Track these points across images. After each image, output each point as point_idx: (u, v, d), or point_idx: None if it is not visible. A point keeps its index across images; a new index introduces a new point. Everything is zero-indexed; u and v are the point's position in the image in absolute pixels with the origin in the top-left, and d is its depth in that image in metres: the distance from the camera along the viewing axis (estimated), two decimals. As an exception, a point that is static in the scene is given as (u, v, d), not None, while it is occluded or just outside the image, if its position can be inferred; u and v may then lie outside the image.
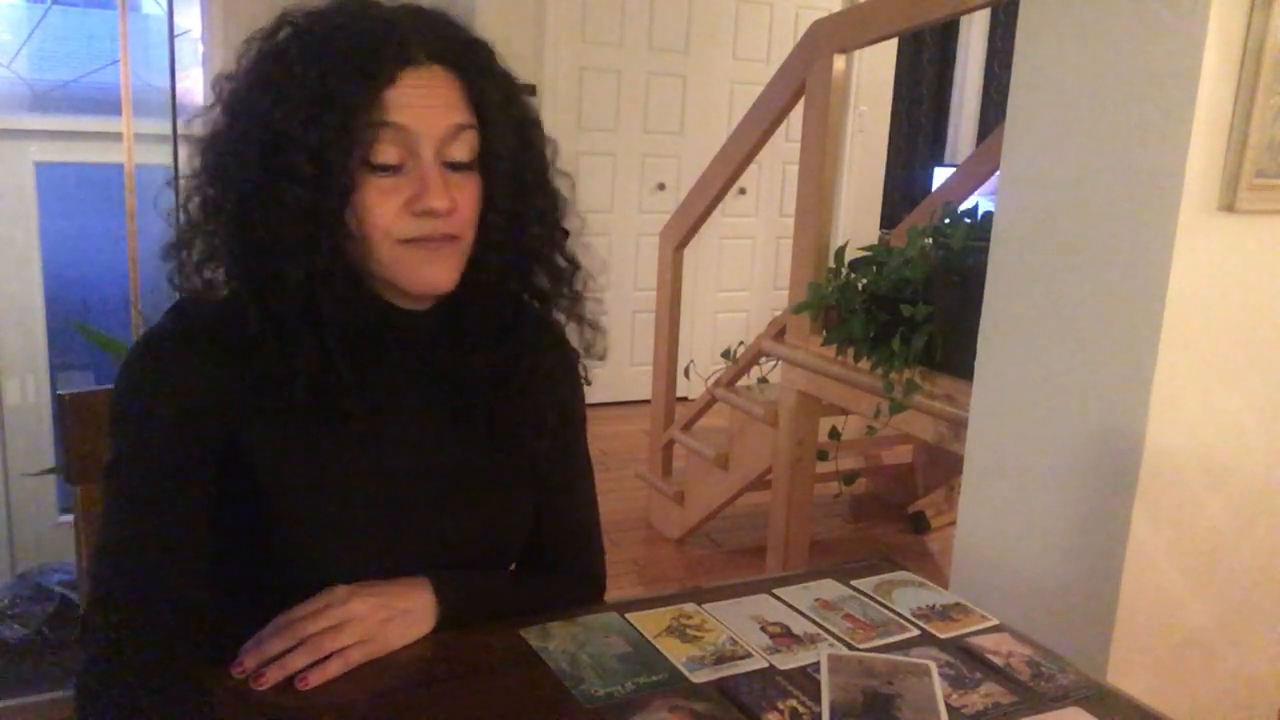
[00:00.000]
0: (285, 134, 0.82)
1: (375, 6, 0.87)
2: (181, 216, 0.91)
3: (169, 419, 0.86)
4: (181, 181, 0.92)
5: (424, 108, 0.84)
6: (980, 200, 2.94)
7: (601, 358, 1.06)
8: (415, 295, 0.92)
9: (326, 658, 0.85)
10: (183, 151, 0.96)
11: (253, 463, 0.89)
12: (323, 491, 0.91)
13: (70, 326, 2.69)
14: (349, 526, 0.93)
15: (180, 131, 2.66)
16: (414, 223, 0.86)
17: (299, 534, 0.90)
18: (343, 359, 0.88)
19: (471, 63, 0.88)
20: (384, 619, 0.89)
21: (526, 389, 0.99)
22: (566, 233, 0.99)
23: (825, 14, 3.05)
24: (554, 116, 4.18)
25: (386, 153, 0.84)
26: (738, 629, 0.98)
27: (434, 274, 0.89)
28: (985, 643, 1.00)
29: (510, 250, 0.94)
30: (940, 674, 0.92)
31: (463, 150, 0.88)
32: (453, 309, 0.96)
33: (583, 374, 1.09)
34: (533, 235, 0.95)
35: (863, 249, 2.38)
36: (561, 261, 0.99)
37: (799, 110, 2.57)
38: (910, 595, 1.09)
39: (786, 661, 0.93)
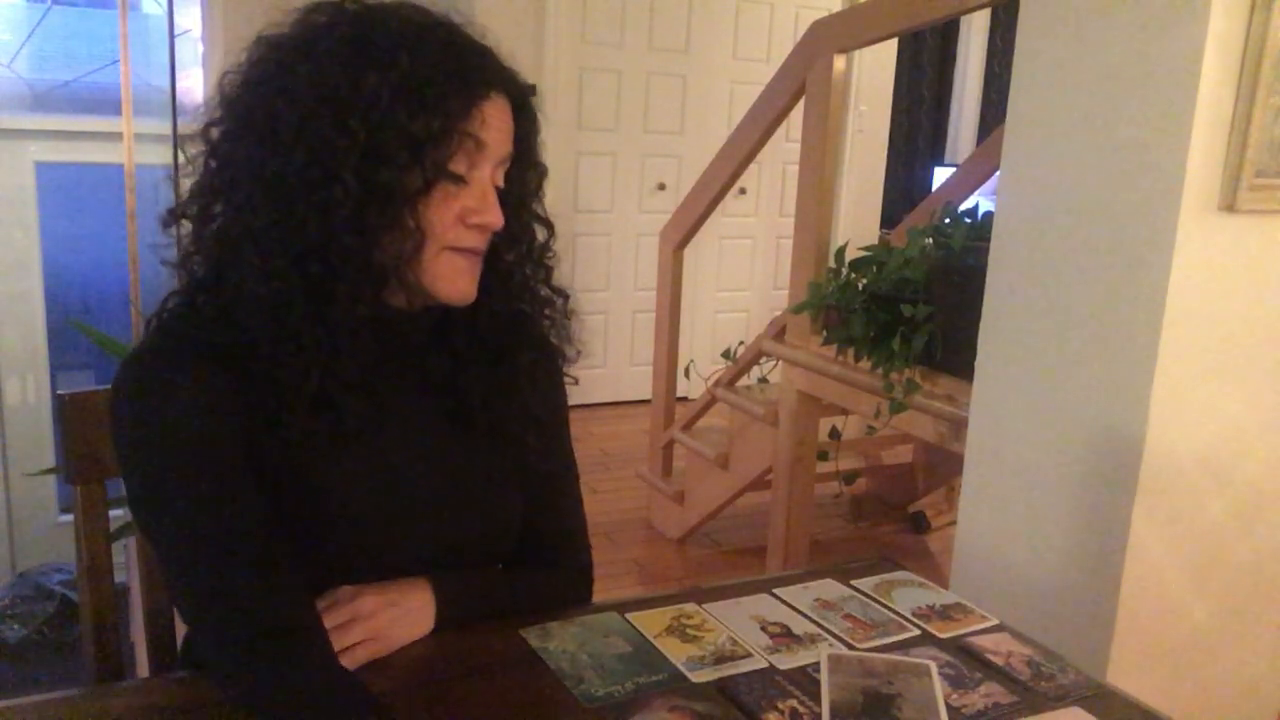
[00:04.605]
0: (388, 121, 0.82)
1: (458, 27, 0.90)
2: (192, 210, 0.89)
3: (188, 436, 0.83)
4: (192, 174, 0.90)
5: (498, 130, 0.90)
6: (980, 200, 2.94)
7: (576, 366, 1.10)
8: (439, 301, 0.92)
9: None
10: (184, 151, 0.92)
11: (265, 460, 0.88)
12: (326, 492, 0.92)
13: (70, 326, 2.69)
14: (352, 525, 0.93)
15: (180, 131, 2.66)
16: (465, 233, 0.90)
17: (302, 534, 0.91)
18: (352, 362, 0.88)
19: (524, 101, 0.95)
20: (389, 617, 0.91)
21: (514, 386, 1.01)
22: (552, 266, 1.04)
23: (825, 14, 3.05)
24: (554, 116, 4.16)
25: (460, 162, 0.87)
26: (738, 629, 0.99)
27: (468, 285, 0.92)
28: (985, 643, 1.00)
29: (509, 271, 0.99)
30: (940, 674, 0.92)
31: (500, 176, 0.92)
32: (443, 313, 0.97)
33: (566, 374, 1.10)
34: (530, 261, 1.01)
35: (863, 249, 2.38)
36: (550, 292, 1.04)
37: (799, 110, 2.57)
38: (910, 595, 1.09)
39: (786, 661, 0.93)
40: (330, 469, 0.91)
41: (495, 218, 0.90)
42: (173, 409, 0.83)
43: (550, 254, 1.03)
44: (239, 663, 0.82)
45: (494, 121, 0.89)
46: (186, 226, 0.90)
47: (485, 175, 0.90)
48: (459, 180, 0.88)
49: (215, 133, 0.89)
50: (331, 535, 0.92)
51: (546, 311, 1.04)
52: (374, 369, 0.91)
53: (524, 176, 0.97)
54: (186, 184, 0.90)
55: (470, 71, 0.87)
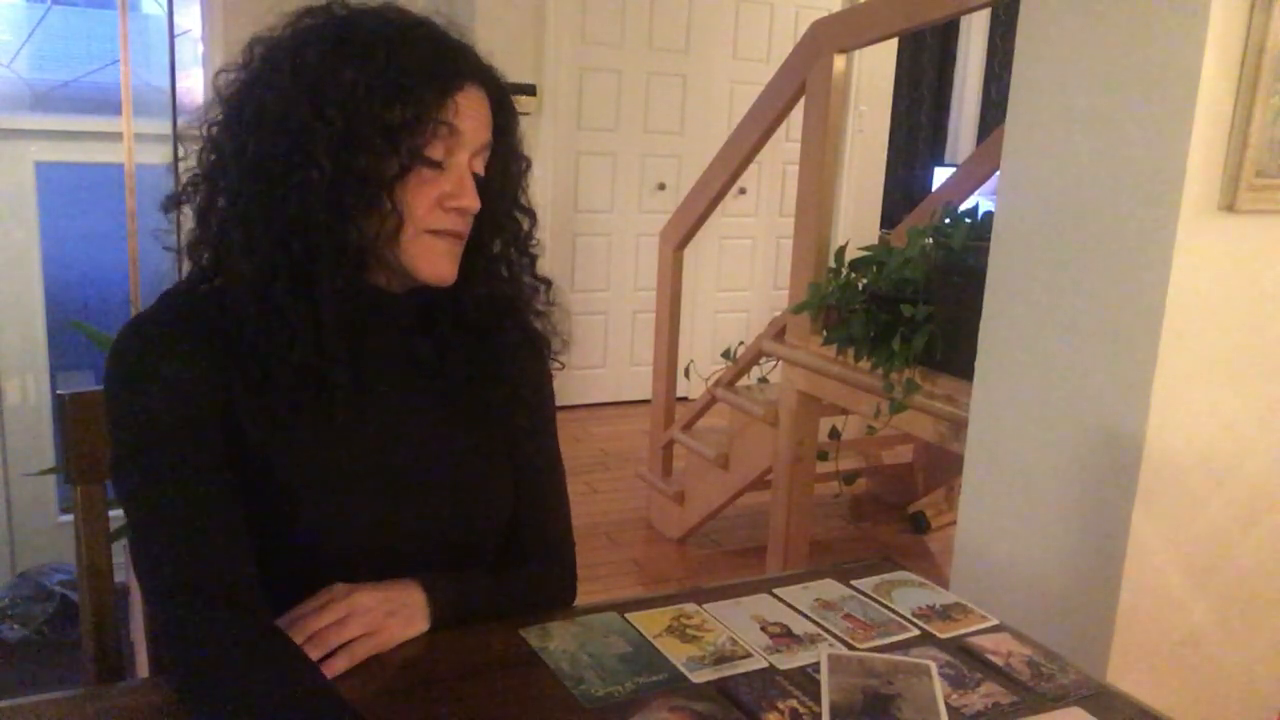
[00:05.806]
0: (363, 111, 0.88)
1: (436, 26, 0.95)
2: (193, 195, 0.94)
3: (168, 407, 0.87)
4: (191, 161, 0.94)
5: (473, 119, 0.94)
6: (980, 200, 2.94)
7: (563, 360, 1.13)
8: (419, 282, 0.96)
9: (332, 653, 0.86)
10: (183, 148, 0.98)
11: (247, 444, 0.90)
12: (314, 471, 0.93)
13: (70, 326, 2.69)
14: (340, 504, 0.94)
15: (180, 131, 2.66)
16: (444, 217, 0.94)
17: (292, 513, 0.91)
18: (336, 337, 0.90)
19: (501, 94, 0.99)
20: (386, 612, 0.91)
21: (499, 367, 1.03)
22: (536, 255, 1.07)
23: (825, 14, 3.05)
24: (554, 116, 4.19)
25: (437, 149, 0.92)
26: (738, 629, 0.99)
27: (449, 267, 0.96)
28: (985, 643, 1.00)
29: (493, 257, 1.03)
30: (940, 674, 0.92)
31: (480, 164, 0.96)
32: (428, 298, 1.00)
33: (554, 359, 1.13)
34: (511, 247, 1.04)
35: (863, 249, 2.38)
36: (534, 280, 1.07)
37: (799, 110, 2.57)
38: (910, 595, 1.09)
39: (786, 661, 0.93)
40: (318, 453, 0.93)
41: (471, 201, 0.94)
42: (146, 380, 0.88)
43: (534, 242, 1.06)
44: (191, 641, 0.81)
45: (468, 111, 0.92)
46: (190, 221, 0.94)
47: (462, 161, 0.93)
48: (436, 166, 0.92)
49: (210, 128, 0.94)
50: (321, 521, 0.93)
51: (531, 300, 1.07)
52: (360, 349, 0.94)
53: (506, 167, 1.01)
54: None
55: (445, 64, 0.92)
